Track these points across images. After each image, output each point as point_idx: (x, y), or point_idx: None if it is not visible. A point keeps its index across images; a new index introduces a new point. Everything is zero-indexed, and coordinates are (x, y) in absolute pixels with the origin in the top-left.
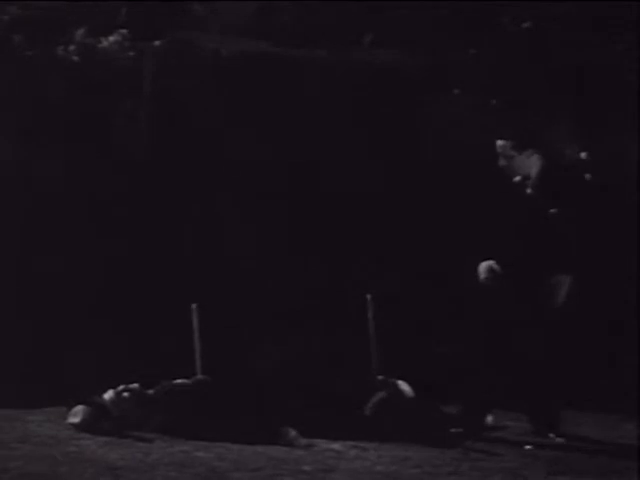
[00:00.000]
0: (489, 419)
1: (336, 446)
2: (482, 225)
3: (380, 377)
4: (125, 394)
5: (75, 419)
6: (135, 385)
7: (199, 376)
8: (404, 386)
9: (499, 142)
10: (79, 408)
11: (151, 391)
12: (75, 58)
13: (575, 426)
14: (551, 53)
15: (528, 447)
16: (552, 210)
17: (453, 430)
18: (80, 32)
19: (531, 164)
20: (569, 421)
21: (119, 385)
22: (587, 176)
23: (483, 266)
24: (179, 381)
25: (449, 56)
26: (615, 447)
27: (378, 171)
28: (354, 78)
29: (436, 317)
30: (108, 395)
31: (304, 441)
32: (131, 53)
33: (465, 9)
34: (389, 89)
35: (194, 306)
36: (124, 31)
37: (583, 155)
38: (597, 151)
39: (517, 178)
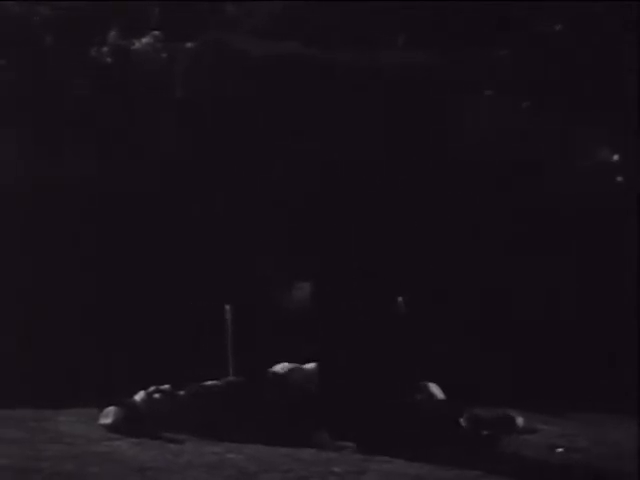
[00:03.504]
0: (520, 421)
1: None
2: None
3: None
4: (156, 395)
5: (106, 420)
6: (166, 386)
7: (230, 377)
8: (434, 389)
9: None
10: (110, 409)
11: (182, 392)
12: (108, 59)
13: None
14: (583, 55)
15: (559, 450)
16: None
17: (485, 432)
18: (113, 34)
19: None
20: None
21: (150, 386)
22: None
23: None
24: (210, 382)
25: (480, 57)
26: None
27: (407, 172)
28: (385, 79)
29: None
30: (139, 396)
31: (335, 443)
32: (163, 54)
33: (497, 10)
34: (420, 90)
35: (228, 307)
36: (157, 32)
37: (615, 157)
38: (629, 153)
39: None
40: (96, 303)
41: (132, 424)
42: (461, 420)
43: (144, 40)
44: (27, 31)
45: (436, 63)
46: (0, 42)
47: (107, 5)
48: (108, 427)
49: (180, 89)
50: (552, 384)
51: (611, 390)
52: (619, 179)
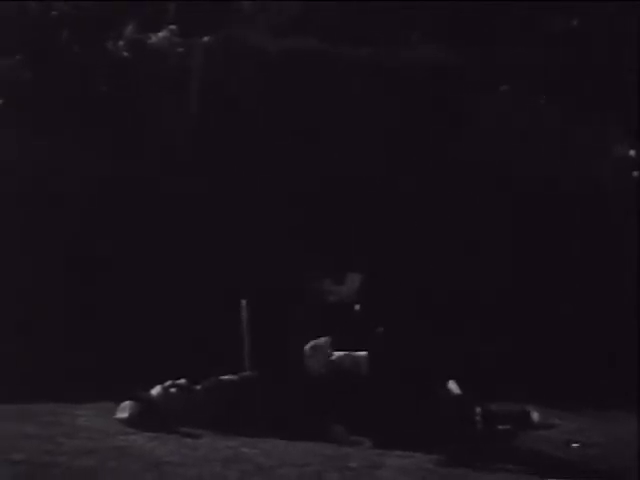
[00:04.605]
0: (535, 416)
1: None
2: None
3: None
4: (173, 390)
5: (123, 414)
6: (183, 381)
7: (246, 372)
8: (451, 384)
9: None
10: (127, 403)
11: (198, 387)
12: (125, 54)
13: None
14: (599, 51)
15: (575, 445)
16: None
17: (500, 427)
18: (129, 28)
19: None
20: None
21: (167, 381)
22: (635, 174)
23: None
24: (226, 377)
25: (497, 54)
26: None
27: (424, 169)
28: (401, 75)
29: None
30: (156, 390)
31: (351, 438)
32: (180, 49)
33: (512, 8)
34: (435, 86)
35: (244, 302)
36: (173, 27)
37: (632, 153)
38: None
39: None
40: (114, 298)
41: (149, 418)
42: (476, 415)
43: (160, 34)
44: (44, 27)
45: (451, 60)
46: (17, 39)
47: (125, 1)
48: (125, 421)
49: (196, 83)
50: (566, 380)
51: (625, 386)
52: (635, 174)
